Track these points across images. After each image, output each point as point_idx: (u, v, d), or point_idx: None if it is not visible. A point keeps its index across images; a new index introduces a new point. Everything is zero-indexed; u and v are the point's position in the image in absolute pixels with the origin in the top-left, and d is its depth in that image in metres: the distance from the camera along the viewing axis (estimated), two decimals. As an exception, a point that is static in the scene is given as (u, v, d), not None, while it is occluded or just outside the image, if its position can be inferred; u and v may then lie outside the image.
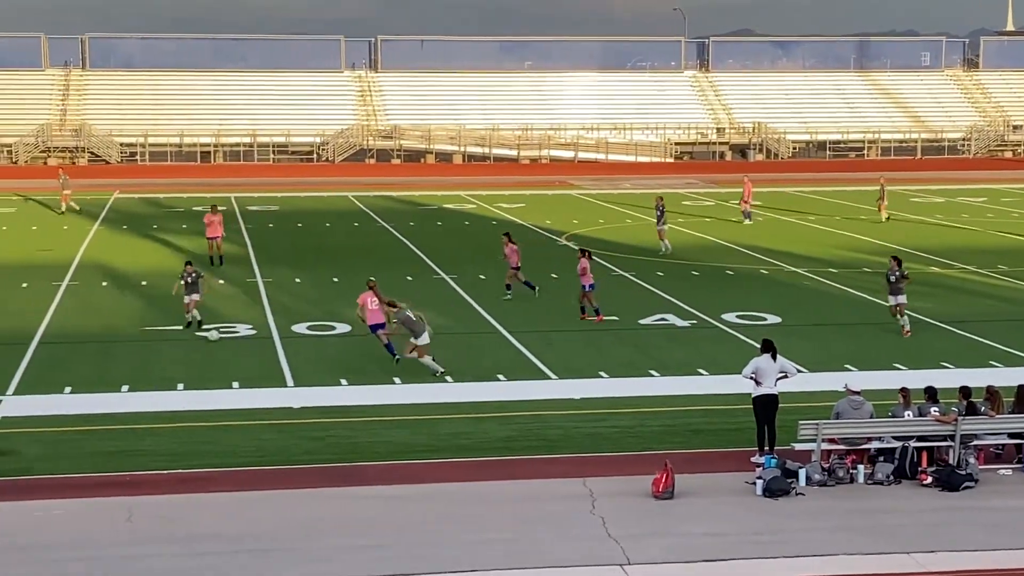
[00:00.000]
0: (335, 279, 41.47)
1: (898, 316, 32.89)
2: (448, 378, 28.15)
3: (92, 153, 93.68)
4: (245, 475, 21.42)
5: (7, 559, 17.34)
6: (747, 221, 56.10)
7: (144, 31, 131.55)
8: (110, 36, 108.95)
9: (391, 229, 55.07)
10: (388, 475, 21.43)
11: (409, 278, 40.93)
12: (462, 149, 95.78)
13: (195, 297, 33.06)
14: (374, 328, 29.59)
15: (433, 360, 28.31)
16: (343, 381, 27.88)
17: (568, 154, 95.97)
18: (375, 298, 29.69)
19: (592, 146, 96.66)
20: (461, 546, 18.05)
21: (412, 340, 28.24)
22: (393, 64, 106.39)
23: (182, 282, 33.27)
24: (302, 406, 25.87)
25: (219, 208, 46.77)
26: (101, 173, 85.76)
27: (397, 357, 29.07)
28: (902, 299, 32.86)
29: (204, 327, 32.78)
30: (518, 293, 37.43)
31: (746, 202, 56.93)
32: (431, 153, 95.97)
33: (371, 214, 61.03)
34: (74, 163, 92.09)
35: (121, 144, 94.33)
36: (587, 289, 34.76)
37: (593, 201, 67.72)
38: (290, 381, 28.10)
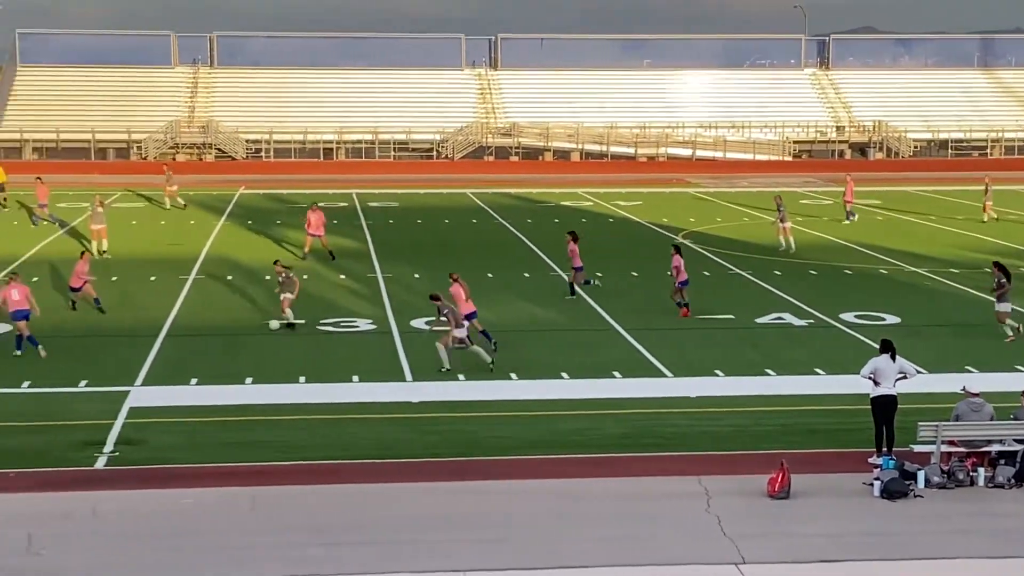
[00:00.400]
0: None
1: (1005, 324, 32.31)
2: (564, 374, 28.36)
3: (219, 150, 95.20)
4: (365, 468, 21.76)
5: (139, 546, 17.82)
6: (847, 221, 55.84)
7: (270, 30, 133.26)
8: (237, 35, 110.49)
9: (508, 226, 55.40)
10: (505, 470, 21.63)
11: (526, 275, 41.20)
12: (580, 147, 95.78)
13: (288, 296, 33.45)
14: (469, 317, 30.20)
15: (449, 357, 28.44)
16: (461, 376, 28.18)
17: (686, 152, 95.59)
18: (463, 290, 30.42)
19: (710, 144, 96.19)
20: (576, 542, 18.20)
21: (454, 332, 28.37)
22: (513, 62, 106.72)
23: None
24: (421, 400, 26.20)
25: (319, 205, 47.53)
26: (227, 169, 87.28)
27: (494, 343, 30.16)
28: (1002, 307, 32.33)
29: (290, 322, 33.10)
30: (625, 290, 37.50)
31: (849, 201, 56.76)
32: (549, 151, 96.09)
33: (489, 211, 61.42)
34: (201, 159, 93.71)
35: (247, 141, 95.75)
36: (679, 285, 35.02)
37: (710, 199, 67.51)
38: (409, 376, 28.46)
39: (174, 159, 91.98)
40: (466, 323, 29.60)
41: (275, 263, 34.70)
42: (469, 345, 28.58)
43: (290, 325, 33.04)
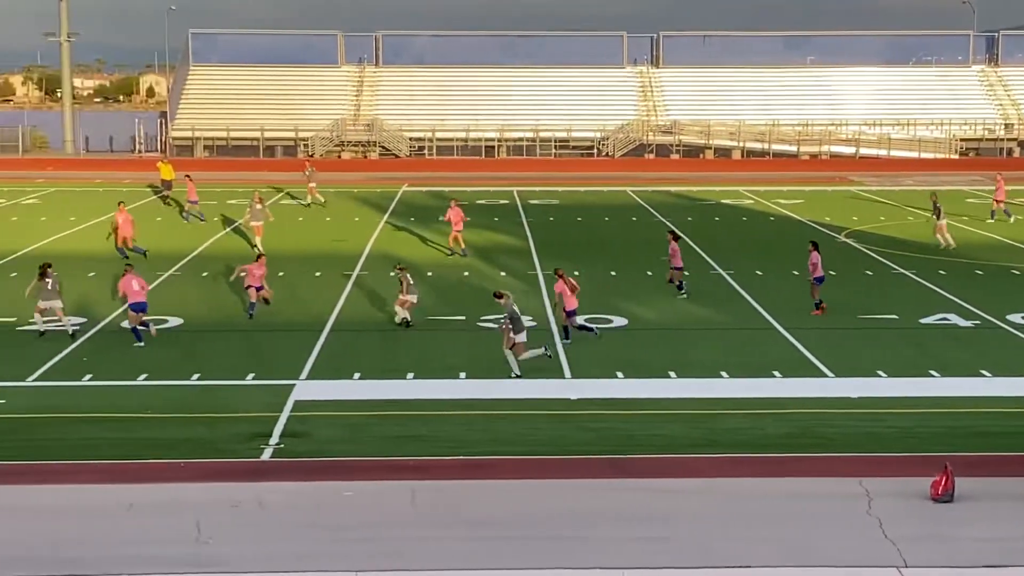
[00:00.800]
0: (612, 273, 41.92)
1: None
2: (723, 373, 28.27)
3: (383, 147, 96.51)
4: (524, 463, 21.93)
5: (302, 536, 18.19)
6: (991, 220, 54.82)
7: (435, 29, 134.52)
8: (402, 34, 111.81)
9: (669, 224, 55.25)
10: (664, 468, 21.64)
11: (686, 273, 41.05)
12: (741, 144, 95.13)
13: (410, 299, 33.53)
14: (570, 314, 30.73)
15: (528, 357, 28.30)
16: (619, 374, 28.24)
17: (849, 150, 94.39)
18: (568, 285, 30.83)
19: (874, 142, 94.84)
20: (737, 541, 18.14)
21: (512, 336, 28.15)
22: (674, 60, 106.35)
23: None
24: (579, 397, 26.32)
25: (459, 202, 47.98)
26: (390, 167, 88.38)
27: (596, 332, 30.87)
28: None
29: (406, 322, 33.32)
30: (786, 289, 37.18)
31: (999, 201, 55.68)
32: (710, 148, 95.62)
33: (649, 208, 61.30)
34: (365, 157, 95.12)
35: (410, 139, 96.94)
36: (815, 283, 34.85)
37: (874, 198, 66.53)
38: (567, 373, 28.59)
39: (365, 157, 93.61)
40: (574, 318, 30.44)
41: (397, 267, 34.94)
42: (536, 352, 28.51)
43: (407, 324, 33.30)
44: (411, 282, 33.54)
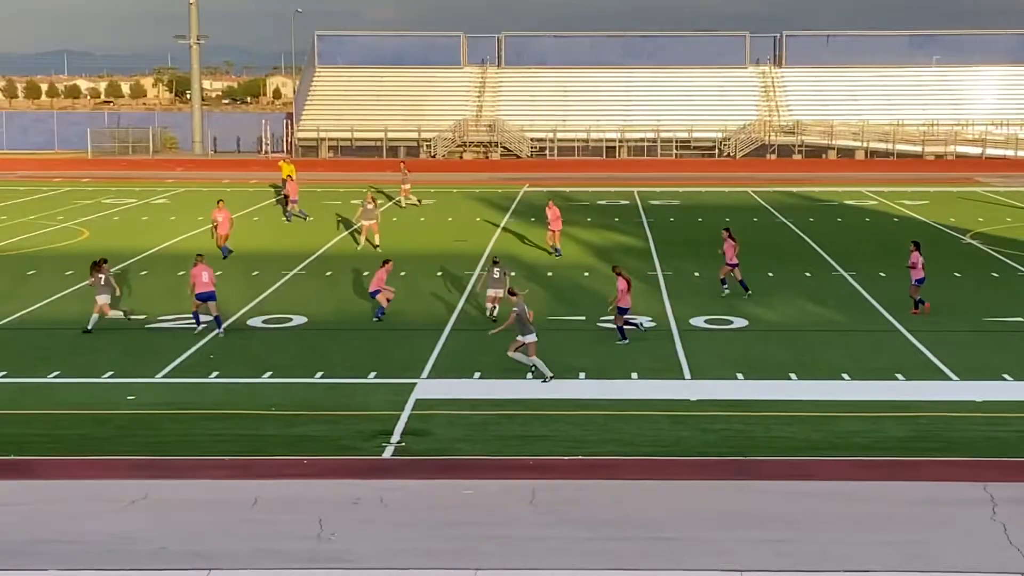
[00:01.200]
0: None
1: None
2: (845, 375, 28.06)
3: (504, 148, 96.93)
4: (644, 464, 21.97)
5: (423, 534, 18.40)
6: None
7: (557, 29, 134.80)
8: (524, 35, 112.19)
9: (790, 224, 54.88)
10: (785, 471, 21.55)
11: (807, 274, 40.79)
12: (864, 144, 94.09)
13: (496, 293, 33.89)
14: (623, 311, 31.22)
15: (519, 359, 28.04)
16: (739, 375, 28.16)
17: (975, 150, 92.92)
18: (626, 283, 31.23)
19: (1001, 142, 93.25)
20: (858, 545, 18.02)
21: (520, 337, 27.82)
22: (797, 60, 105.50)
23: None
24: (699, 399, 26.29)
25: (555, 201, 48.36)
26: (512, 167, 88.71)
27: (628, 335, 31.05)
28: None
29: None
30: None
31: None
32: (832, 148, 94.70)
33: (770, 209, 60.92)
34: (487, 157, 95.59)
35: (532, 139, 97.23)
36: (914, 283, 34.75)
37: (1001, 199, 65.44)
38: (687, 373, 28.57)
39: (487, 157, 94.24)
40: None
41: (494, 262, 35.19)
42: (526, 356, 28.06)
43: (493, 320, 33.62)
44: (496, 276, 34.17)
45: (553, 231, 46.28)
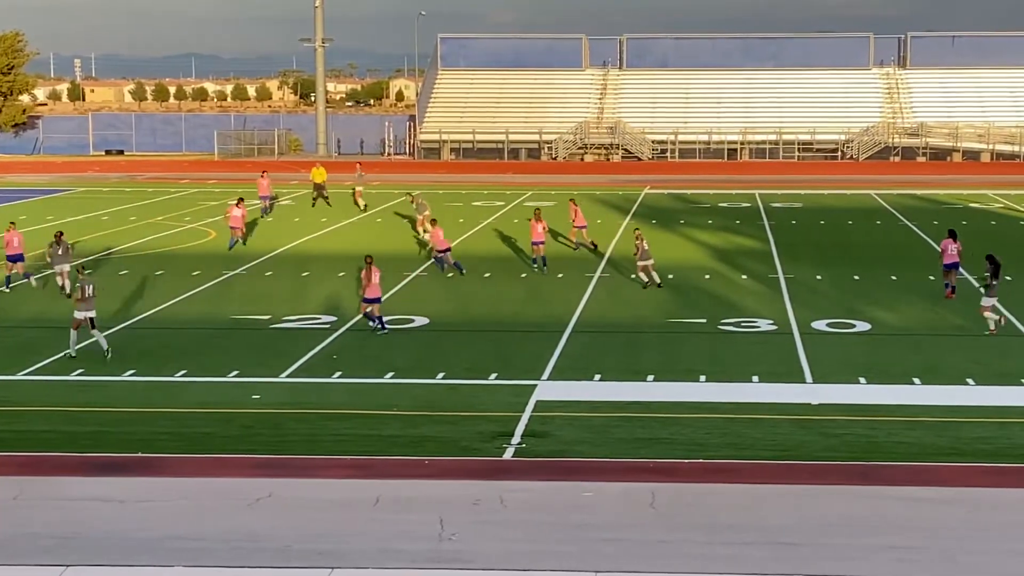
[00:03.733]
0: (856, 277, 41.33)
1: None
2: (970, 380, 27.65)
3: (625, 150, 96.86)
4: (765, 468, 21.83)
5: (542, 535, 18.45)
6: None
7: (679, 31, 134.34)
8: (646, 36, 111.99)
9: (914, 228, 54.21)
10: (910, 476, 21.27)
11: (931, 278, 40.23)
12: (990, 147, 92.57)
13: (648, 263, 36.50)
14: (371, 301, 32.70)
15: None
16: (862, 380, 27.88)
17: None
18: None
19: None
20: (983, 554, 17.72)
21: None
22: (922, 61, 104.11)
23: None
24: (821, 402, 26.07)
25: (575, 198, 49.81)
26: (633, 169, 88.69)
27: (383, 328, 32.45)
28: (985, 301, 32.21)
29: None
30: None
31: None
32: (957, 151, 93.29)
33: (894, 212, 60.22)
34: (608, 159, 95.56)
35: (652, 141, 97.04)
36: (944, 268, 37.32)
37: None
38: (809, 377, 28.33)
39: (608, 159, 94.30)
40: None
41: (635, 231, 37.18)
42: None
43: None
44: (646, 248, 37.65)
45: (577, 227, 46.95)
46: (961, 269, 37.89)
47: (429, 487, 20.67)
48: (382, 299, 33.33)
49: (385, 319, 33.43)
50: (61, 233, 39.14)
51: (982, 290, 32.55)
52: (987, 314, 32.28)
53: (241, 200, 50.13)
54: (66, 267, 38.16)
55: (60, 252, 38.10)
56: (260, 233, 53.14)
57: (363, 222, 54.38)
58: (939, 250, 38.36)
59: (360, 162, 71.28)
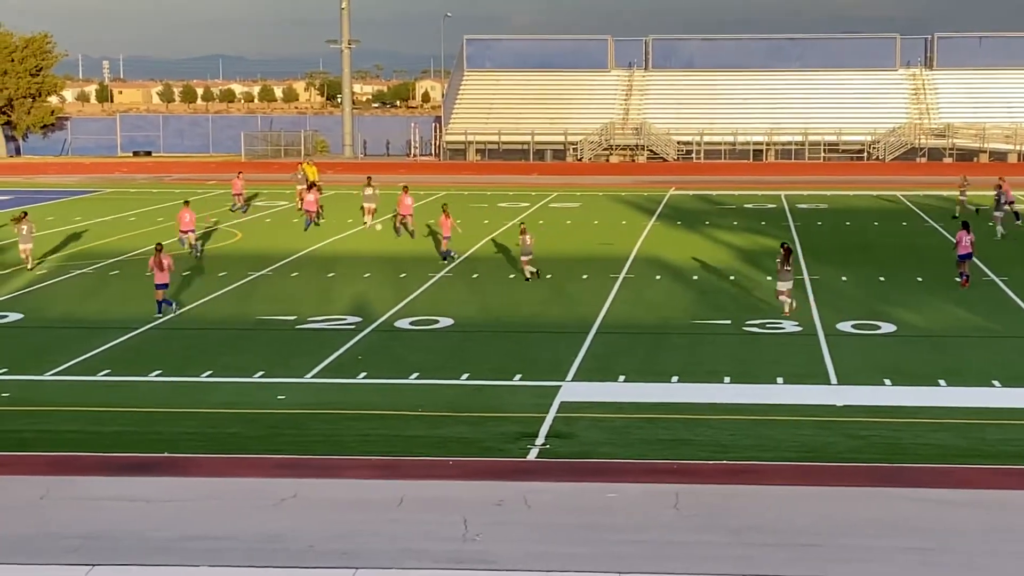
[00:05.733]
0: (881, 278, 41.24)
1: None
2: (995, 382, 27.57)
3: (651, 151, 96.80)
4: (788, 469, 21.80)
5: (566, 536, 18.46)
6: None
7: (704, 32, 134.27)
8: (671, 38, 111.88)
9: (940, 229, 54.05)
10: (935, 478, 21.22)
11: (957, 279, 40.14)
12: (1018, 148, 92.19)
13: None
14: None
15: None
16: (887, 381, 27.82)
17: None
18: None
19: None
20: (1006, 557, 17.63)
21: None
22: (949, 62, 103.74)
23: None
24: (845, 404, 26.02)
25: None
26: (658, 170, 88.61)
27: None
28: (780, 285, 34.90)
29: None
30: None
31: None
32: (984, 152, 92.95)
33: (920, 214, 60.05)
34: (633, 160, 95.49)
35: (678, 142, 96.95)
36: (959, 259, 39.20)
37: None
38: (834, 379, 28.29)
39: (633, 160, 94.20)
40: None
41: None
42: None
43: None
44: (528, 243, 40.50)
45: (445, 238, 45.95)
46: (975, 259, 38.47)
47: (453, 488, 20.71)
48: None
49: (411, 320, 33.49)
50: (25, 213, 45.16)
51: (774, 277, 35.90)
52: (782, 298, 34.71)
53: (313, 185, 54.99)
54: (30, 246, 43.75)
55: (25, 232, 43.61)
56: (286, 234, 53.31)
57: (387, 224, 54.45)
58: (954, 242, 39.91)
59: (302, 162, 72.19)
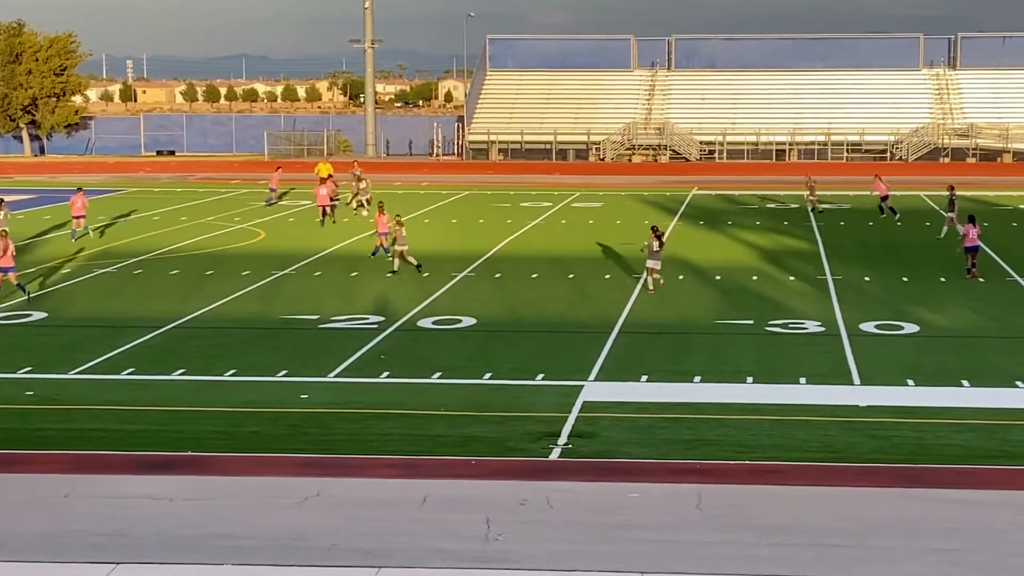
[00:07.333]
0: (904, 279, 41.13)
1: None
2: (1019, 383, 27.47)
3: (673, 151, 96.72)
4: (812, 469, 21.77)
5: (588, 536, 18.47)
6: None
7: (728, 32, 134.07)
8: (695, 37, 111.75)
9: (961, 229, 53.72)
10: (958, 479, 21.17)
11: (980, 279, 40.02)
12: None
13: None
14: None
15: None
16: (910, 381, 27.75)
17: None
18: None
19: None
20: (1029, 556, 17.72)
21: None
22: (973, 62, 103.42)
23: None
24: (868, 404, 25.96)
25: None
26: (681, 170, 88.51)
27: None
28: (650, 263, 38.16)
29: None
30: None
31: None
32: (1008, 152, 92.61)
33: (943, 213, 59.60)
34: (656, 160, 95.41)
35: (701, 142, 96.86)
36: (965, 251, 41.02)
37: None
38: (857, 379, 28.22)
39: (656, 160, 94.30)
40: None
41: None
42: None
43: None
44: (403, 235, 41.75)
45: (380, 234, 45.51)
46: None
47: (476, 487, 20.73)
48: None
49: (433, 319, 33.54)
50: (2, 200, 47.93)
51: (646, 252, 38.40)
52: (655, 275, 38.33)
53: (329, 177, 58.30)
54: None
55: (2, 216, 45.89)
56: (309, 233, 53.40)
57: (410, 223, 54.46)
58: (961, 234, 41.99)
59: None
